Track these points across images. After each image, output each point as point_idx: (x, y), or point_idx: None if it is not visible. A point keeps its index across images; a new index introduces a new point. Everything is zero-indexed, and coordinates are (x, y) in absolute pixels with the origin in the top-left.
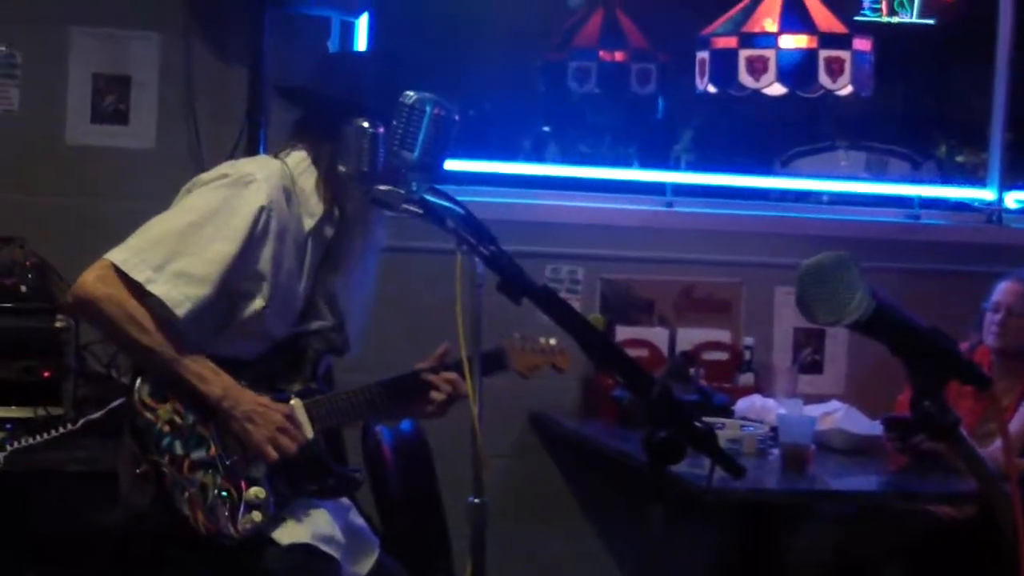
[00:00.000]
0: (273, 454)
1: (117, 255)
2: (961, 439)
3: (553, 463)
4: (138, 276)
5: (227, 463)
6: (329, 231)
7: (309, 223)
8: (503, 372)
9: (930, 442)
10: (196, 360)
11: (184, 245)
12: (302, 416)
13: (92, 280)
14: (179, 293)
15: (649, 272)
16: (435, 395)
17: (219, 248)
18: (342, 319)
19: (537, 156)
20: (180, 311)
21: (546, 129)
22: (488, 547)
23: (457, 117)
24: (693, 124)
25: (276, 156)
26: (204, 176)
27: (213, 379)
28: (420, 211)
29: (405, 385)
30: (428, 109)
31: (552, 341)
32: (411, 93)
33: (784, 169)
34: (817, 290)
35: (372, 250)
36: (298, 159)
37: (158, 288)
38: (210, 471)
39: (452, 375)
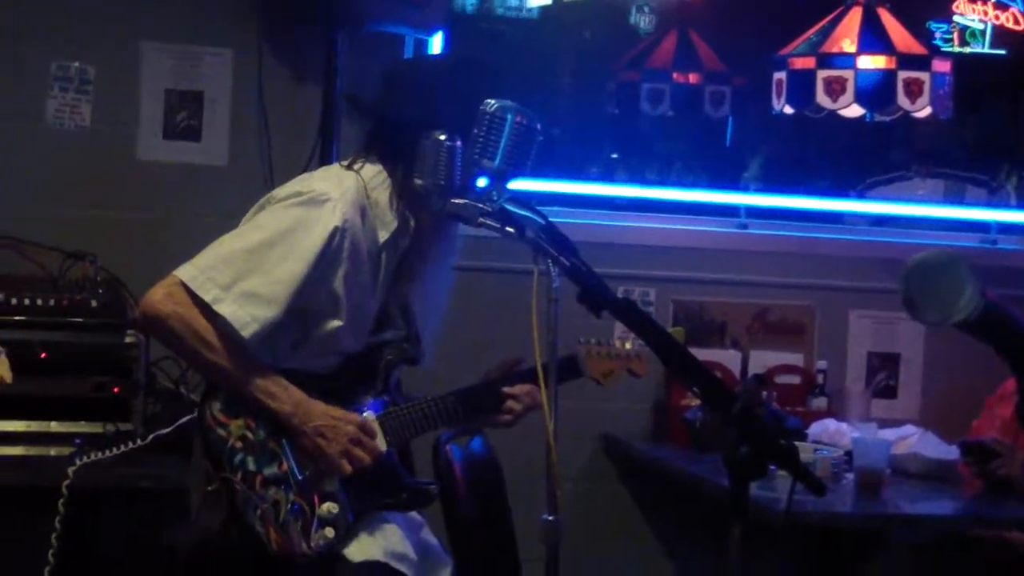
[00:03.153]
0: (347, 468)
1: (185, 272)
2: None
3: (624, 486)
4: (205, 295)
5: (299, 479)
6: (404, 242)
7: (383, 235)
8: (577, 379)
9: (1007, 467)
10: (265, 376)
11: (253, 264)
12: (375, 427)
13: (160, 297)
14: (246, 314)
15: (722, 294)
16: (512, 405)
17: (289, 268)
18: (416, 329)
19: (606, 182)
20: (246, 332)
21: (614, 156)
22: (560, 570)
23: (539, 126)
24: (762, 152)
25: (350, 167)
26: (277, 193)
27: (282, 395)
28: (497, 224)
29: (480, 395)
30: (509, 117)
31: (628, 345)
32: (492, 101)
33: (860, 197)
34: (924, 287)
35: (447, 260)
36: (373, 172)
37: (225, 308)
38: (282, 487)
39: (528, 387)
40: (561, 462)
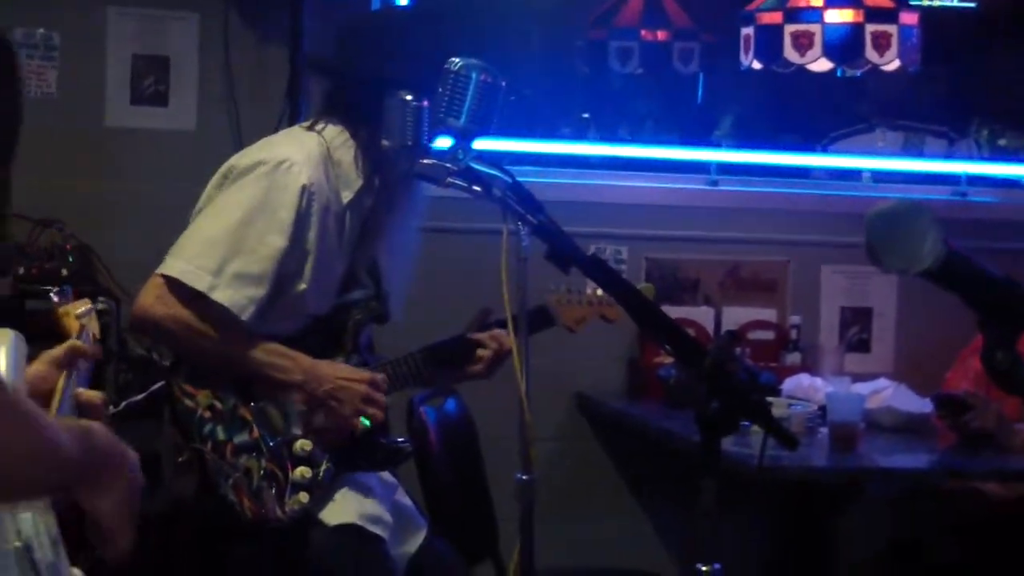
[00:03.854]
0: (360, 425)
1: (174, 268)
2: None
3: (599, 444)
4: (199, 285)
5: (271, 444)
6: (368, 201)
7: (347, 195)
8: (550, 327)
9: (981, 419)
10: (269, 352)
11: (237, 244)
12: (383, 381)
13: (151, 301)
14: (242, 297)
15: (694, 251)
16: (481, 352)
17: (272, 243)
18: (383, 287)
19: (577, 141)
20: (245, 315)
21: (586, 116)
22: (535, 529)
23: (504, 83)
24: (733, 110)
25: (311, 128)
26: (240, 163)
27: (291, 366)
28: (464, 183)
29: (449, 348)
30: (474, 76)
31: (599, 291)
32: (456, 60)
33: (824, 151)
34: (887, 236)
35: (413, 219)
36: (334, 132)
37: (221, 295)
38: (254, 454)
39: (496, 331)
40: (535, 421)
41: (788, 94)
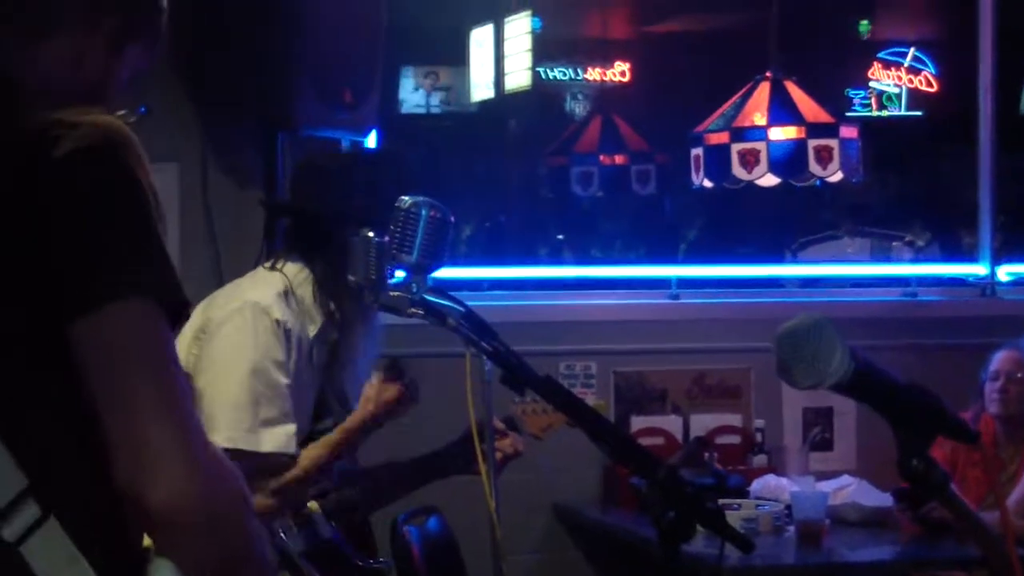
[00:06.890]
0: None
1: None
2: (952, 496)
3: (580, 554)
4: (245, 446)
5: None
6: (332, 333)
7: (312, 329)
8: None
9: (941, 510)
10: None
11: (253, 396)
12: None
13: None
14: (282, 433)
15: (660, 363)
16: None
17: (278, 382)
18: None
19: (553, 263)
20: (291, 448)
21: (560, 237)
22: None
23: (452, 219)
24: (697, 224)
25: (273, 267)
26: (215, 315)
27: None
28: (423, 313)
29: (424, 462)
30: (424, 212)
31: None
32: (406, 198)
33: (793, 257)
34: (796, 354)
35: (374, 343)
36: (295, 270)
37: (266, 445)
38: None
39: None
40: (516, 534)
41: (749, 205)
